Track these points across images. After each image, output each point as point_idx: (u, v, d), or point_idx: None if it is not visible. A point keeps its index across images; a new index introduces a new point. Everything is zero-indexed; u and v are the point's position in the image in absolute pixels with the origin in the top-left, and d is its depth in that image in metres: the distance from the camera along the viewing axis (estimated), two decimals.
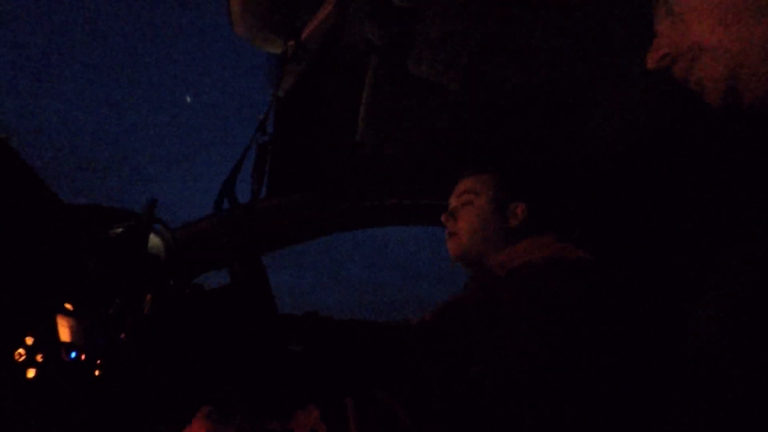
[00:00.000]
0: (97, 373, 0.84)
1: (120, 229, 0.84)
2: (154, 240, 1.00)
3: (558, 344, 0.72)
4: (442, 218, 1.08)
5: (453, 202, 1.09)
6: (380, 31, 0.92)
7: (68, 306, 0.78)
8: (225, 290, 1.25)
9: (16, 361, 0.58)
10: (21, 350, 0.60)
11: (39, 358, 0.63)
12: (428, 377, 0.74)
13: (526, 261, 0.92)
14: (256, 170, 1.10)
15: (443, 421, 0.65)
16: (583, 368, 0.73)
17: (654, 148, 1.15)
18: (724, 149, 1.06)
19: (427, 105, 1.14)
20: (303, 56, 0.99)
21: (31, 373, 0.61)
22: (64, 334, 0.74)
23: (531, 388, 0.69)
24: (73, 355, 0.75)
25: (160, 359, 1.05)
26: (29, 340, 0.62)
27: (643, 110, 1.07)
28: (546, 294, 0.78)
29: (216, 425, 0.71)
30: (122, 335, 0.89)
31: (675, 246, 1.14)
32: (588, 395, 0.73)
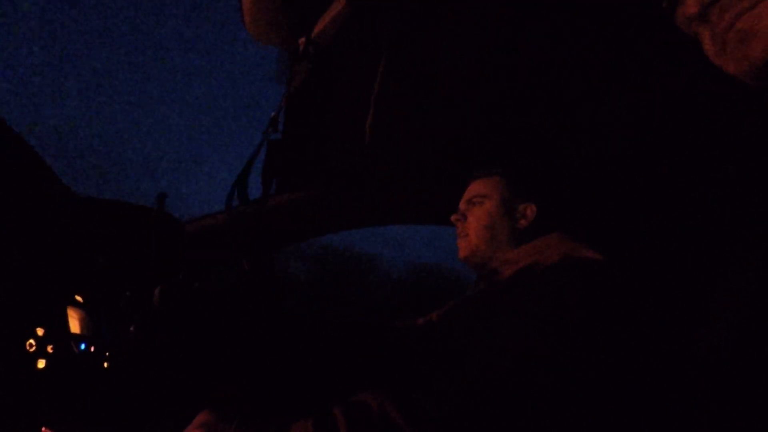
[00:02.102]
0: (105, 365, 0.85)
1: (131, 224, 0.85)
2: (164, 234, 1.01)
3: (562, 345, 0.71)
4: (452, 219, 1.08)
5: (463, 204, 1.09)
6: (391, 28, 0.91)
7: (78, 298, 0.79)
8: (233, 287, 1.26)
9: (27, 352, 0.59)
10: (32, 341, 0.60)
11: (50, 349, 0.64)
12: (429, 376, 0.73)
13: (533, 261, 0.91)
14: (267, 167, 1.10)
15: (440, 421, 0.65)
16: (586, 369, 0.72)
17: (660, 149, 1.14)
18: (735, 150, 1.04)
19: (436, 104, 1.13)
20: (313, 53, 0.99)
21: (41, 363, 0.62)
22: (74, 326, 0.75)
23: (533, 388, 0.68)
24: (83, 346, 0.76)
25: (167, 354, 1.06)
26: (40, 331, 0.62)
27: (649, 111, 1.06)
28: (552, 294, 0.77)
29: None
30: (131, 328, 0.90)
31: (683, 248, 1.13)
32: (590, 397, 0.72)
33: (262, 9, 0.93)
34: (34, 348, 0.61)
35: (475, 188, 1.07)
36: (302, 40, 0.97)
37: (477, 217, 1.03)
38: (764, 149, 0.95)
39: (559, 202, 1.05)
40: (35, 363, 0.61)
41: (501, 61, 0.98)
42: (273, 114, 1.06)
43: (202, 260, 1.34)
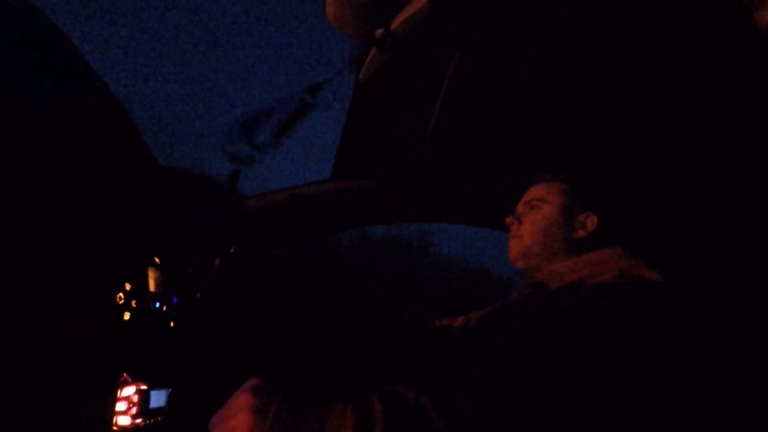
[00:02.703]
0: (172, 324, 0.92)
1: (206, 197, 0.90)
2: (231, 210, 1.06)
3: (603, 362, 0.70)
4: (507, 220, 1.07)
5: (521, 206, 1.07)
6: (468, 29, 0.92)
7: (156, 260, 0.85)
8: (285, 265, 1.31)
9: (117, 304, 0.65)
10: (121, 294, 0.66)
11: (133, 303, 0.69)
12: (464, 376, 0.74)
13: (585, 275, 0.89)
14: (286, 124, 1.06)
15: (473, 420, 0.65)
16: (623, 384, 0.71)
17: (661, 150, 1.09)
18: (735, 150, 0.97)
19: (504, 102, 1.12)
20: (389, 46, 1.00)
21: (127, 315, 0.68)
22: (152, 285, 0.81)
23: (569, 396, 0.68)
24: (157, 305, 0.82)
25: (222, 321, 1.13)
26: (128, 286, 0.68)
27: (649, 111, 1.01)
28: (603, 312, 0.76)
29: (259, 399, 0.71)
30: (197, 294, 0.96)
31: (683, 247, 1.07)
32: (625, 411, 0.72)
33: None
34: (122, 301, 0.67)
35: (535, 191, 1.05)
36: (380, 31, 0.99)
37: (533, 220, 1.02)
38: (765, 149, 0.89)
39: (623, 216, 1.02)
40: (123, 314, 0.67)
41: (572, 58, 0.97)
42: (320, 81, 1.05)
43: (262, 237, 1.40)
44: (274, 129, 1.02)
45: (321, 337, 1.24)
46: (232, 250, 1.28)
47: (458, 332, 1.18)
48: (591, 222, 0.98)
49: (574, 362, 0.69)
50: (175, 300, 0.94)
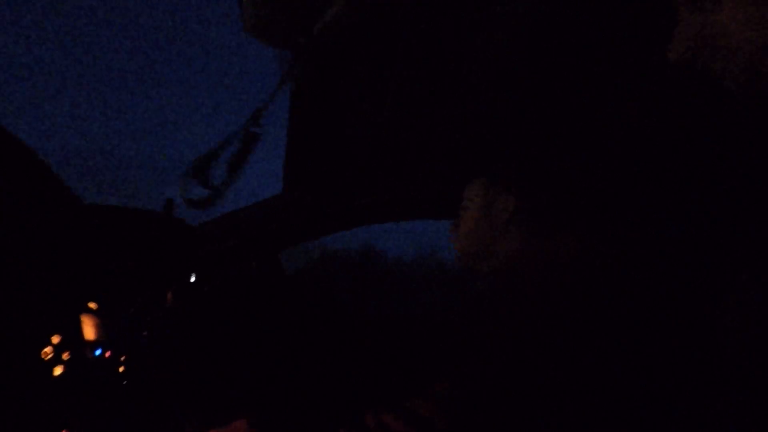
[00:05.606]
0: (121, 369, 0.87)
1: (140, 229, 0.86)
2: (172, 238, 1.02)
3: (552, 347, 0.71)
4: (451, 227, 1.10)
5: (460, 209, 1.10)
6: (391, 29, 0.91)
7: (92, 305, 0.80)
8: (243, 287, 1.27)
9: (43, 360, 0.60)
10: (48, 349, 0.62)
11: (65, 356, 0.65)
12: (430, 377, 0.74)
13: (520, 256, 0.91)
14: (238, 158, 1.05)
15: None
16: (577, 369, 0.72)
17: (655, 147, 1.12)
18: (736, 151, 1.02)
19: (436, 101, 1.13)
20: (314, 53, 0.99)
21: (58, 370, 0.63)
22: (89, 332, 0.77)
23: (526, 391, 0.69)
24: (98, 352, 0.78)
25: (181, 355, 1.08)
26: (55, 339, 0.64)
27: (648, 109, 1.04)
28: (539, 296, 0.78)
29: None
30: (144, 332, 0.92)
31: (679, 246, 1.11)
32: (585, 397, 0.73)
33: (262, 10, 0.93)
34: (50, 356, 0.62)
35: (464, 194, 1.08)
36: (302, 40, 0.98)
37: (464, 220, 1.04)
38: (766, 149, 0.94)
39: (545, 195, 1.04)
40: (52, 370, 0.62)
41: (502, 60, 0.98)
42: (258, 107, 1.03)
43: (214, 262, 1.35)
44: (228, 165, 1.00)
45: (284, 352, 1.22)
46: (192, 279, 1.23)
47: (430, 330, 1.18)
48: (511, 204, 1.00)
49: (529, 354, 0.70)
50: (122, 344, 0.89)
